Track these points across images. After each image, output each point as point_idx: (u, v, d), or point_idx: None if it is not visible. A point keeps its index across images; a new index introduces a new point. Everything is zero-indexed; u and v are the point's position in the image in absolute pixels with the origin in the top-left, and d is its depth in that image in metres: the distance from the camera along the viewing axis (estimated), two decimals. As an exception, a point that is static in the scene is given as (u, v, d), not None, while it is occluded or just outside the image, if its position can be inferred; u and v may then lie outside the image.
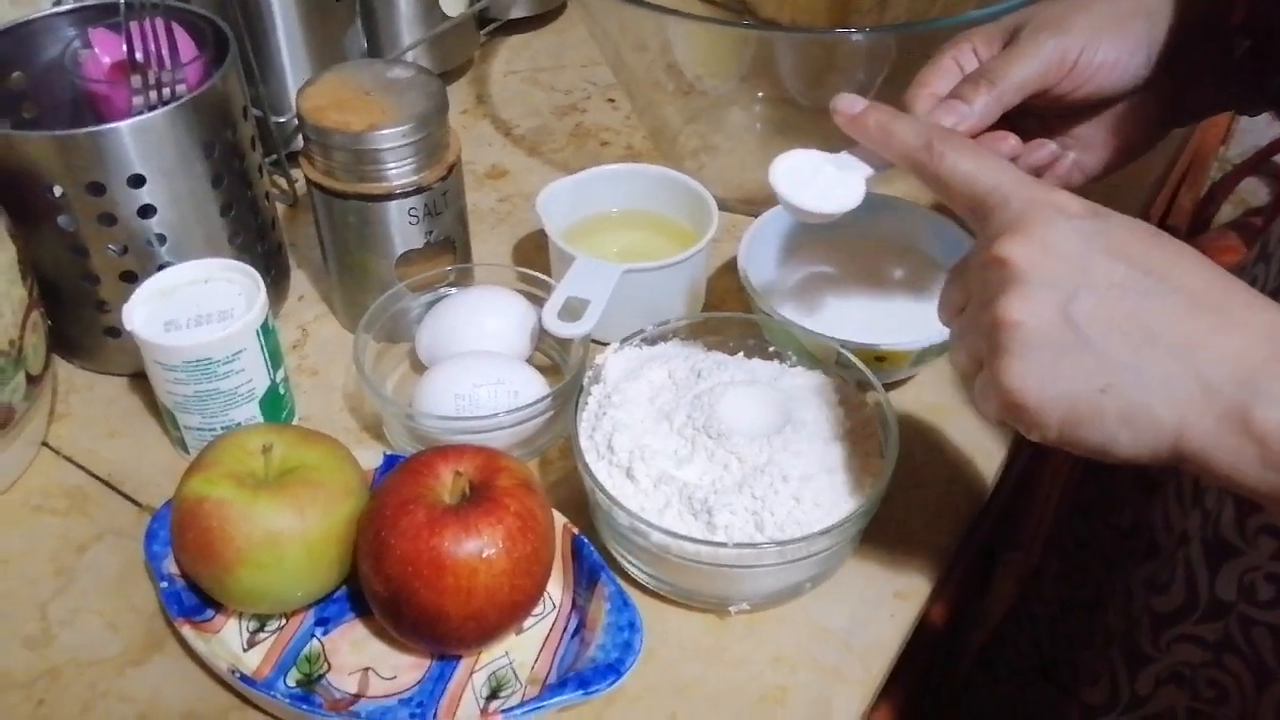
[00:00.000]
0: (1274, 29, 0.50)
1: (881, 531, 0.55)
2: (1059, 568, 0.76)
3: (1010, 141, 0.52)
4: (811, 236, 0.67)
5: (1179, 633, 0.54)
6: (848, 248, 0.67)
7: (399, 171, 0.59)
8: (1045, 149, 0.54)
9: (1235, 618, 0.51)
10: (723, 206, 0.66)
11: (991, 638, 0.88)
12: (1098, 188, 0.77)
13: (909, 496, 0.57)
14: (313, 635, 0.51)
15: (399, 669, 0.49)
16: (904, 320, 0.62)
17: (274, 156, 0.75)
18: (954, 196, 0.42)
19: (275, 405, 0.58)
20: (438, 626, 0.46)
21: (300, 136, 0.61)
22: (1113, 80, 0.52)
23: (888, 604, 0.53)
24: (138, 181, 0.56)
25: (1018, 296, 0.37)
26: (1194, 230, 1.57)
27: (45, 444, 0.60)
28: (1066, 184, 0.55)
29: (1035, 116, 0.54)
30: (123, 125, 0.55)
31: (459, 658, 0.50)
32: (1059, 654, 0.76)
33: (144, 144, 0.56)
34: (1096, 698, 0.59)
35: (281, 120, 0.75)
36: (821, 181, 0.51)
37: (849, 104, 0.47)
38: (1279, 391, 0.34)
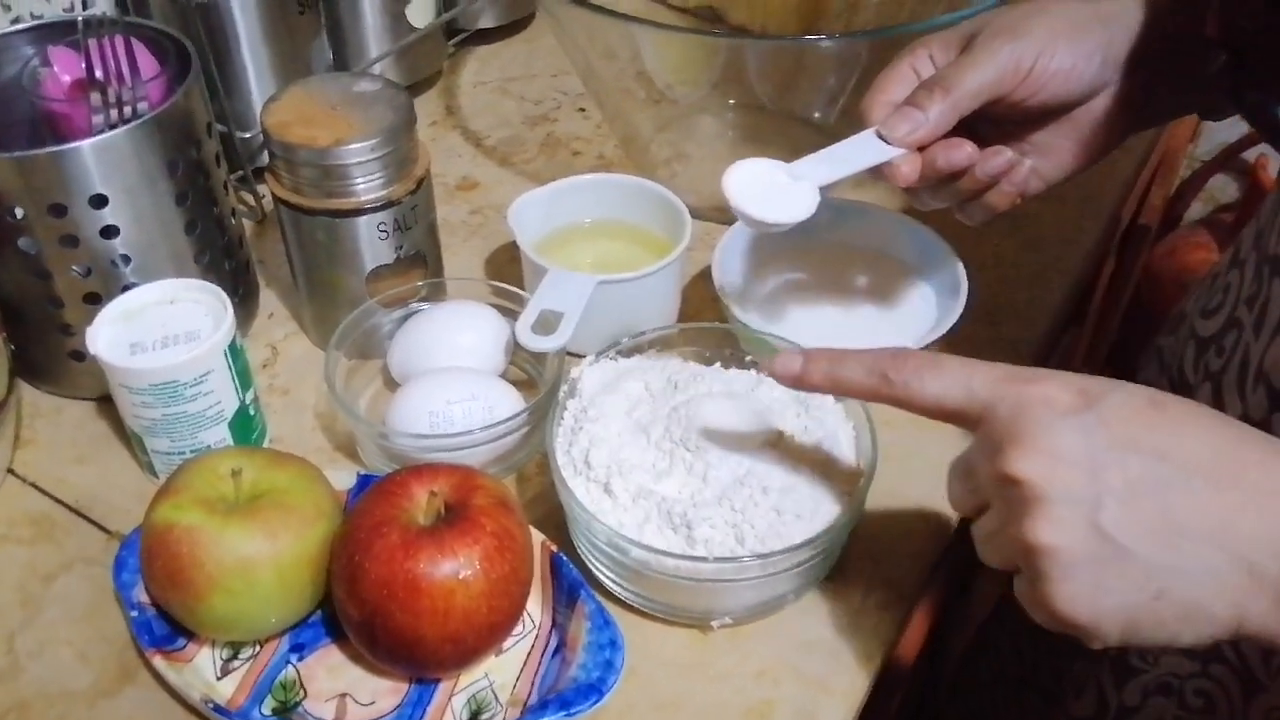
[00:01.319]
0: (1249, 42, 0.50)
1: (862, 541, 0.55)
2: None
3: (966, 149, 0.52)
4: (785, 245, 0.66)
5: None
6: (821, 255, 0.66)
7: (367, 186, 0.58)
8: (1001, 156, 0.53)
9: None
10: (696, 215, 0.66)
11: (974, 643, 0.88)
12: (1071, 189, 0.77)
13: (889, 505, 0.57)
14: (288, 662, 0.50)
15: (377, 694, 0.49)
16: (879, 327, 0.62)
17: (240, 173, 0.74)
18: (930, 415, 0.41)
19: (245, 426, 0.57)
20: (415, 650, 0.46)
21: (266, 152, 0.60)
22: (1069, 87, 0.51)
23: (871, 614, 0.53)
24: (100, 202, 0.55)
25: (1044, 519, 0.35)
26: (1165, 228, 1.58)
27: (10, 471, 0.59)
28: (1024, 191, 0.55)
29: (992, 123, 0.53)
30: (84, 145, 0.54)
31: (438, 681, 0.49)
32: (1040, 660, 0.76)
33: (106, 163, 0.54)
34: (1084, 710, 0.59)
35: (247, 136, 0.74)
36: (775, 191, 0.51)
37: (786, 365, 0.44)
38: None
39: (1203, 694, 0.53)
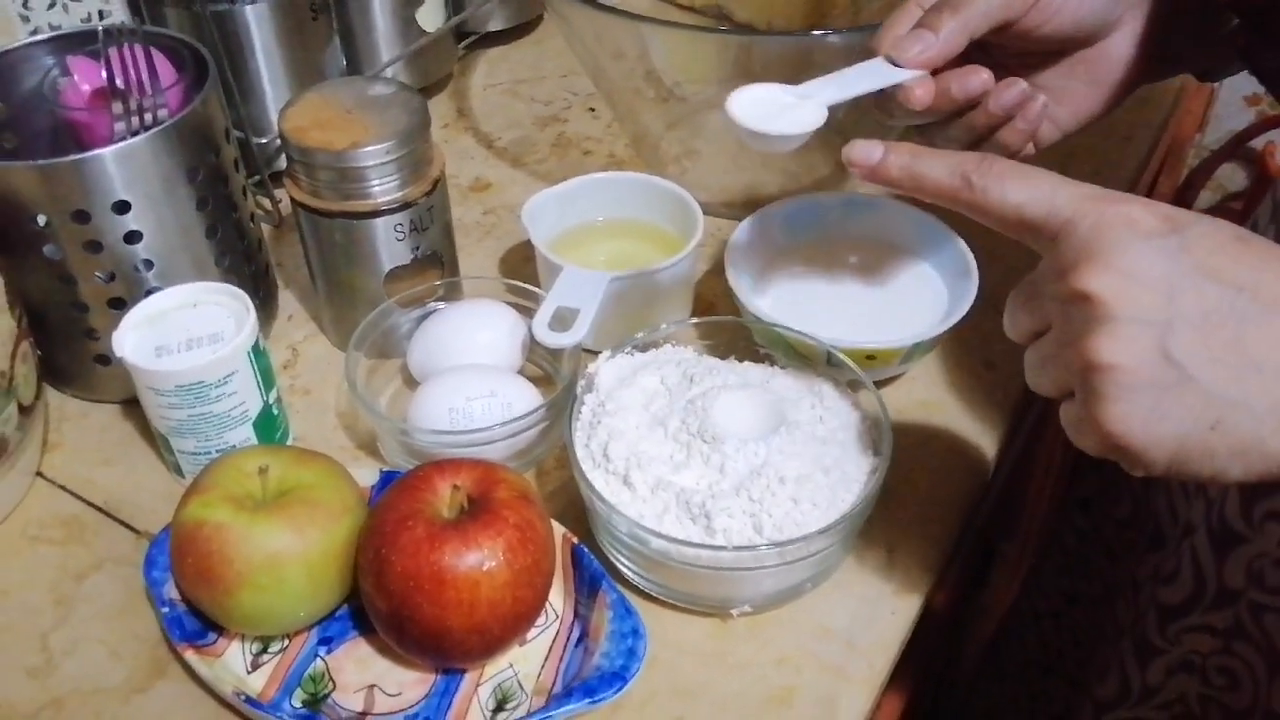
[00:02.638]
0: (1261, 8, 0.50)
1: (879, 529, 0.56)
2: (1060, 562, 0.76)
3: (982, 75, 0.50)
4: (796, 238, 0.67)
5: (1188, 623, 0.54)
6: (833, 248, 0.67)
7: (384, 188, 0.59)
8: (1016, 88, 0.51)
9: (1245, 604, 0.51)
10: (707, 211, 0.66)
11: (996, 634, 0.88)
12: (1080, 177, 0.77)
13: (904, 493, 0.58)
14: (316, 655, 0.51)
15: (404, 685, 0.49)
16: (892, 318, 0.63)
17: (257, 177, 0.75)
18: (1006, 227, 0.40)
19: (269, 426, 0.58)
20: (441, 641, 0.46)
21: (283, 157, 0.61)
22: (1079, 15, 0.50)
23: (888, 601, 0.53)
24: (123, 208, 0.56)
25: (1108, 336, 0.34)
26: (1173, 217, 1.58)
27: (39, 474, 0.60)
28: (1038, 133, 0.54)
29: (1003, 62, 0.52)
30: (106, 152, 0.55)
31: (463, 671, 0.50)
32: (1065, 649, 0.76)
33: (128, 170, 0.55)
34: (1107, 691, 0.59)
35: (263, 141, 0.75)
36: (780, 109, 0.49)
37: (864, 153, 0.43)
38: None
39: (1226, 671, 0.53)
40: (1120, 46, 0.52)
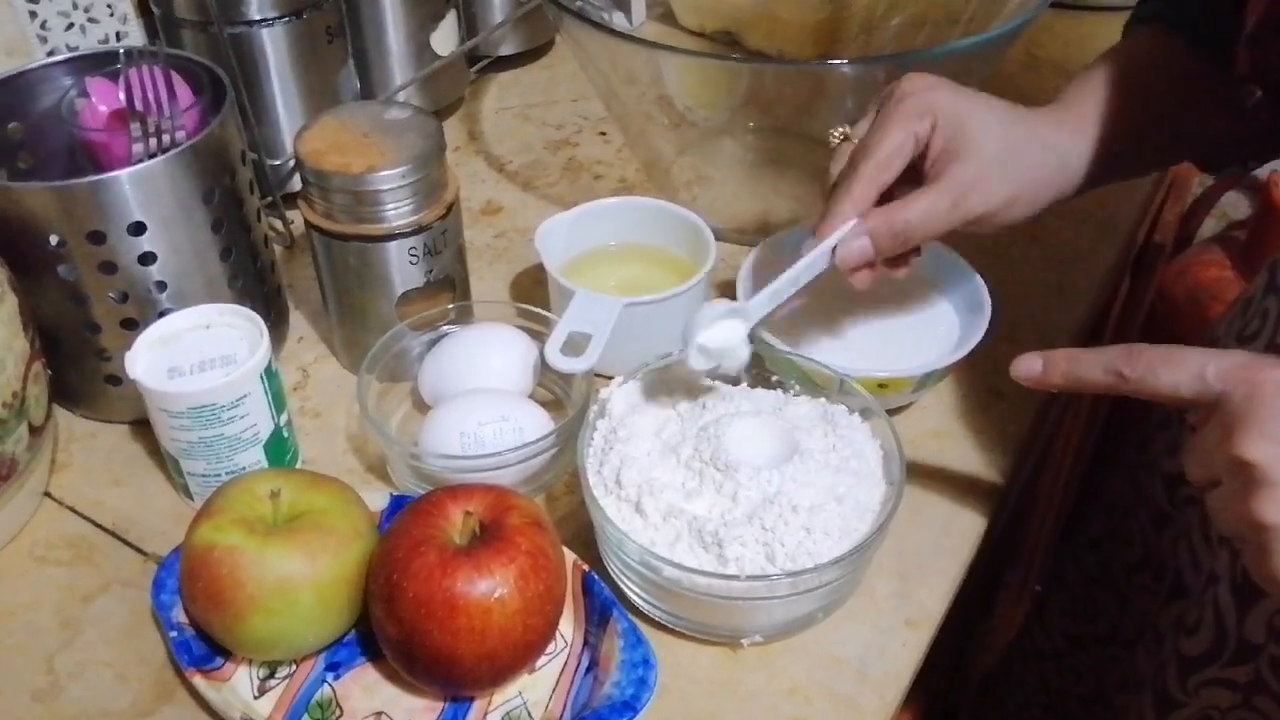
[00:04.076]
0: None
1: (891, 558, 0.55)
2: (1064, 602, 0.75)
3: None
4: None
5: (1208, 676, 0.54)
6: (843, 276, 0.67)
7: (398, 212, 0.60)
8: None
9: (1265, 659, 0.51)
10: (719, 237, 0.67)
11: (996, 671, 0.88)
12: (1091, 209, 0.78)
13: (916, 522, 0.58)
14: (324, 681, 0.50)
15: (412, 712, 0.49)
16: (905, 346, 0.62)
17: (270, 199, 0.75)
18: (1168, 403, 0.43)
19: (279, 449, 0.58)
20: (452, 668, 0.46)
21: (296, 179, 0.61)
22: (1022, 217, 0.56)
23: (899, 632, 0.53)
24: (138, 229, 0.56)
25: (1269, 500, 0.38)
26: (1178, 245, 1.58)
27: (47, 494, 0.60)
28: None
29: None
30: (122, 174, 0.55)
31: (472, 699, 0.50)
32: (1067, 689, 0.76)
33: (144, 192, 0.56)
34: None
35: (276, 163, 0.76)
36: (728, 340, 0.54)
37: (1028, 368, 0.47)
38: None
39: None
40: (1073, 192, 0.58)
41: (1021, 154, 0.54)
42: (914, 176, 0.55)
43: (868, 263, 0.55)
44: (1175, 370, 0.42)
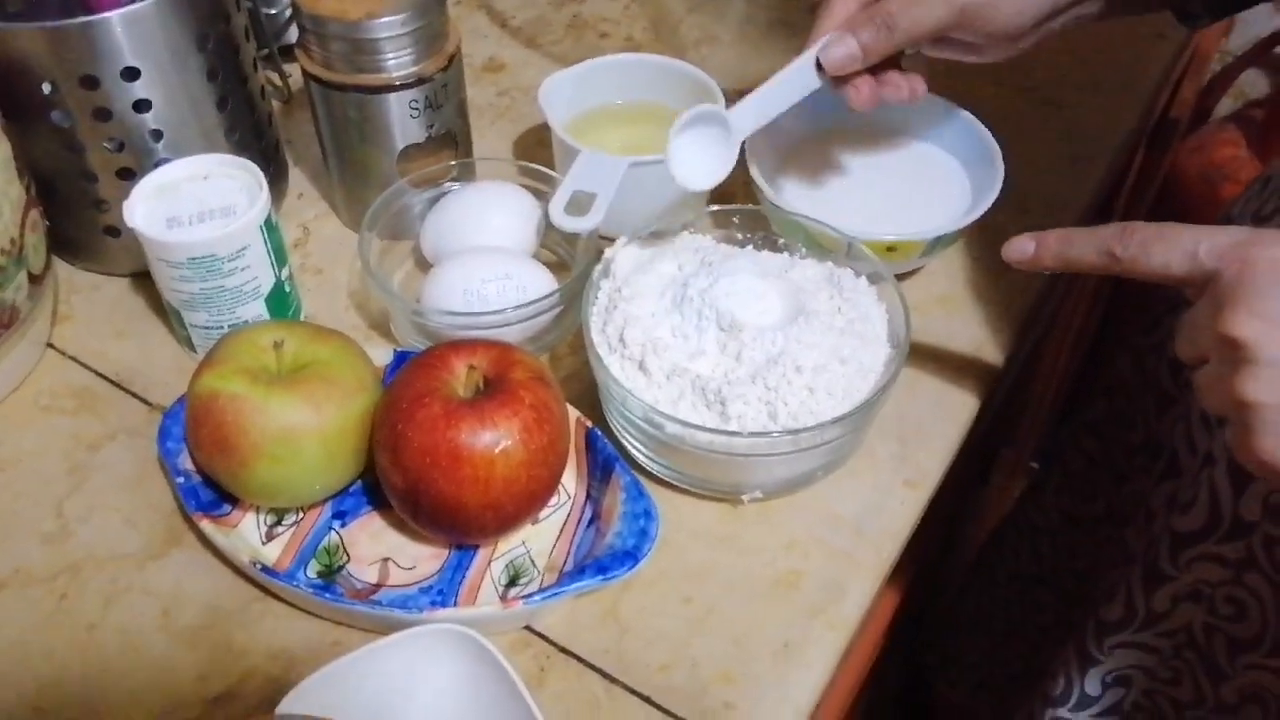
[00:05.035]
0: None
1: (891, 420, 0.56)
2: (1061, 481, 0.76)
3: (910, 90, 0.54)
4: (819, 128, 0.66)
5: (1199, 552, 0.55)
6: (856, 138, 0.66)
7: (398, 62, 0.58)
8: (912, 93, 0.54)
9: (1259, 537, 0.52)
10: (727, 98, 0.65)
11: (988, 544, 0.89)
12: (1110, 77, 0.75)
13: (918, 387, 0.58)
14: (330, 528, 0.51)
15: (418, 559, 0.50)
16: (913, 211, 0.62)
17: (266, 51, 0.73)
18: (1161, 282, 0.42)
19: (281, 303, 0.58)
20: (456, 516, 0.47)
21: (292, 29, 0.59)
22: (1017, 23, 0.51)
23: (897, 491, 0.54)
24: (131, 75, 0.55)
25: (1253, 379, 0.37)
26: (1195, 122, 1.55)
27: (50, 345, 0.60)
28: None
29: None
30: (114, 15, 0.53)
31: (477, 547, 0.50)
32: (1060, 563, 0.77)
33: (136, 35, 0.54)
34: (1113, 614, 0.60)
35: (272, 12, 0.73)
36: (710, 146, 0.54)
37: (1020, 250, 0.46)
38: None
39: (1234, 601, 0.54)
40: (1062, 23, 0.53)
41: None
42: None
43: (855, 66, 0.52)
44: (1168, 248, 0.41)
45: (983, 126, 0.63)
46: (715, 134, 0.55)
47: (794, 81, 0.54)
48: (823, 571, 0.50)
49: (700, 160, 0.55)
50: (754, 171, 0.60)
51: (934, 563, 0.98)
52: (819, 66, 0.53)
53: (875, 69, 0.53)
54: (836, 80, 0.53)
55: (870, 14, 0.51)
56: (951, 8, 0.50)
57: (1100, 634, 0.62)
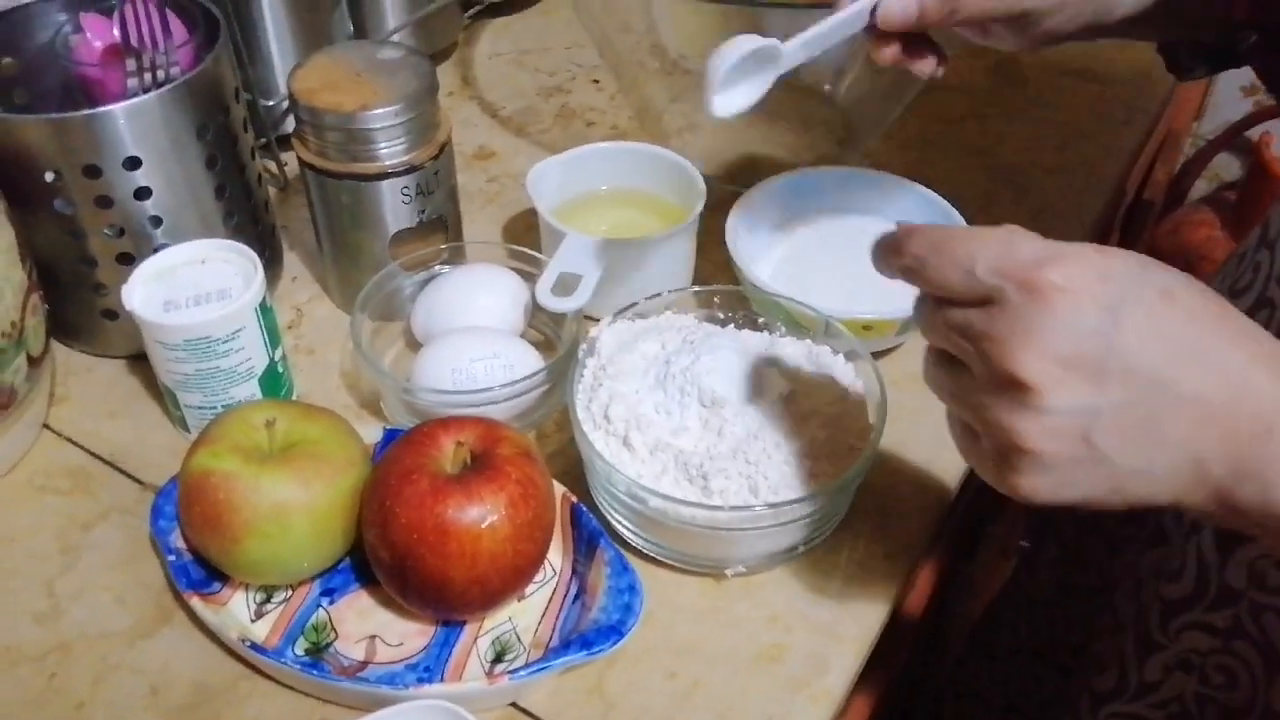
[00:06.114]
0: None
1: (872, 496, 0.57)
2: (1056, 552, 0.77)
3: (932, 65, 0.54)
4: (797, 211, 0.68)
5: (1189, 620, 0.55)
6: (831, 221, 0.68)
7: (391, 151, 0.60)
8: (933, 69, 0.54)
9: (1246, 604, 0.52)
10: (709, 183, 0.67)
11: (985, 618, 0.89)
12: (1075, 161, 0.78)
13: (897, 462, 0.59)
14: (319, 605, 0.52)
15: (405, 636, 0.51)
16: (888, 290, 0.63)
17: (263, 140, 0.75)
18: (942, 296, 0.38)
19: (274, 383, 0.59)
20: (443, 592, 0.47)
21: (289, 120, 0.61)
22: (1063, 32, 0.52)
23: (879, 565, 0.54)
24: (133, 164, 0.57)
25: (1036, 424, 0.35)
26: (1169, 205, 1.59)
27: (46, 426, 0.61)
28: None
29: None
30: (117, 108, 0.55)
31: (463, 624, 0.51)
32: (1057, 635, 0.77)
33: (139, 126, 0.56)
34: (1106, 684, 0.60)
35: (270, 104, 0.76)
36: (754, 66, 0.53)
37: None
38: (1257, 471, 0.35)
39: (1224, 670, 0.54)
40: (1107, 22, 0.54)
41: None
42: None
43: (908, 26, 0.52)
44: (942, 263, 0.37)
45: (951, 207, 0.65)
46: (752, 65, 0.53)
47: (844, 24, 0.53)
48: (805, 645, 0.51)
49: (735, 87, 0.54)
50: (734, 253, 0.62)
51: (930, 636, 0.98)
52: (872, 15, 0.53)
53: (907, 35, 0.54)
54: (872, 31, 0.53)
55: None
56: (1013, 6, 0.51)
57: (1094, 704, 0.62)
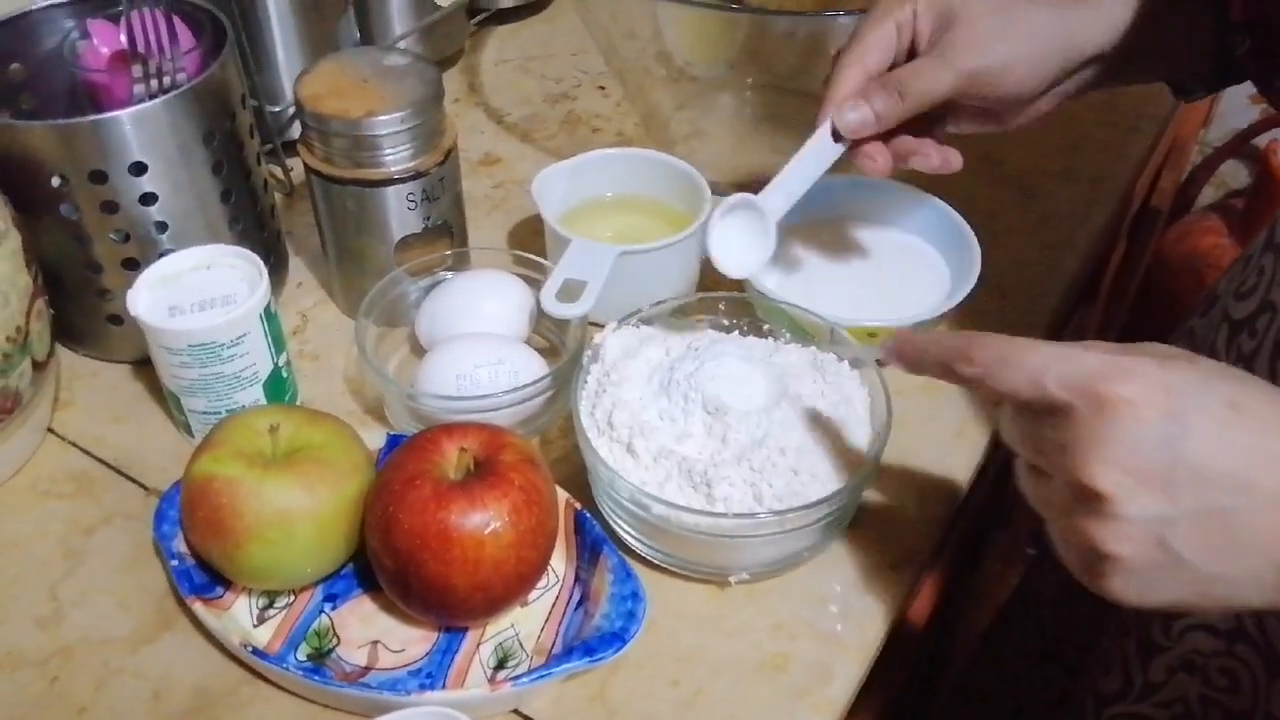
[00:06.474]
0: (1275, 27, 0.51)
1: (876, 504, 0.57)
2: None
3: (931, 159, 0.56)
4: (802, 217, 0.68)
5: (1191, 622, 0.55)
6: (838, 228, 0.68)
7: (396, 157, 0.60)
8: (935, 161, 0.56)
9: None
10: (715, 189, 0.67)
11: (996, 621, 0.89)
12: (1083, 168, 0.78)
13: (902, 470, 0.59)
14: (321, 611, 0.52)
15: (407, 642, 0.50)
16: (895, 297, 0.63)
17: (269, 146, 0.75)
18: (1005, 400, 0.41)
19: (278, 388, 0.59)
20: (446, 598, 0.47)
21: (295, 126, 0.62)
22: (1020, 91, 0.54)
23: (883, 573, 0.54)
24: (139, 169, 0.57)
25: (1113, 532, 0.37)
26: (1176, 212, 1.59)
27: (50, 430, 0.61)
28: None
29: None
30: (124, 114, 0.56)
31: (466, 630, 0.51)
32: (1064, 636, 0.77)
33: (145, 132, 0.56)
34: (1110, 686, 0.60)
35: (276, 110, 0.76)
36: (748, 236, 0.56)
37: (885, 355, 0.47)
38: None
39: (1227, 673, 0.54)
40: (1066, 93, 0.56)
41: (1019, 15, 0.53)
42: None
43: (870, 130, 0.54)
44: (1013, 374, 0.39)
45: (958, 215, 0.65)
46: (749, 219, 0.56)
47: (815, 156, 0.56)
48: (809, 654, 0.51)
49: (740, 246, 0.57)
50: (739, 260, 0.62)
51: (936, 642, 0.97)
52: (835, 136, 0.55)
53: (888, 137, 0.56)
54: (855, 149, 0.55)
55: (882, 81, 0.54)
56: (959, 74, 0.52)
57: (1099, 705, 0.62)
